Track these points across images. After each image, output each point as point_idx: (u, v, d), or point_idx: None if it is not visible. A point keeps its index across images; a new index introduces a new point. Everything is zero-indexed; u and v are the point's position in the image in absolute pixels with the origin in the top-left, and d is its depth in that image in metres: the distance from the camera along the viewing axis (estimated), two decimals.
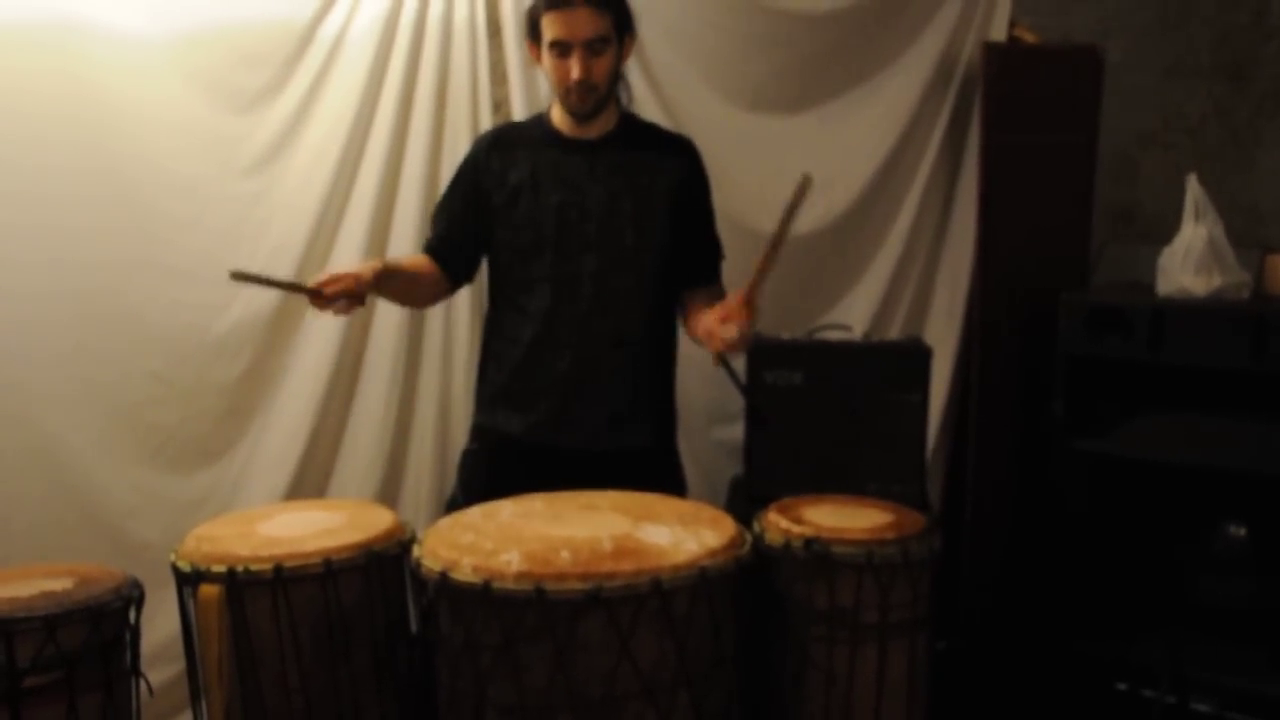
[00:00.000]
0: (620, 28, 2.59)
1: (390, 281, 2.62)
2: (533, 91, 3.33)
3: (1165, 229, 3.33)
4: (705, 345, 2.61)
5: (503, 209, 2.68)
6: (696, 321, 2.67)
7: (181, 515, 3.09)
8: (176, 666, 2.51)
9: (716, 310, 2.53)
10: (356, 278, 2.49)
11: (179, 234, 3.23)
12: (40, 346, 3.13)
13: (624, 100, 2.76)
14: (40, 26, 3.05)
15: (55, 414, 3.16)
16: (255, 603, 2.13)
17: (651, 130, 2.82)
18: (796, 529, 2.30)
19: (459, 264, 2.80)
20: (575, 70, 2.53)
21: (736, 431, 3.29)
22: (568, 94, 2.59)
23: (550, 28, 2.53)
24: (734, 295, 2.53)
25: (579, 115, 2.62)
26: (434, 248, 2.79)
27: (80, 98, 3.11)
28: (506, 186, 2.68)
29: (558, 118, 2.70)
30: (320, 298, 2.47)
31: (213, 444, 3.32)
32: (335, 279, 2.48)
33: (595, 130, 2.67)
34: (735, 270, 2.87)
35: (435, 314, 3.34)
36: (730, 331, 2.48)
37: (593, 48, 2.53)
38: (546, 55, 2.58)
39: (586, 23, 2.51)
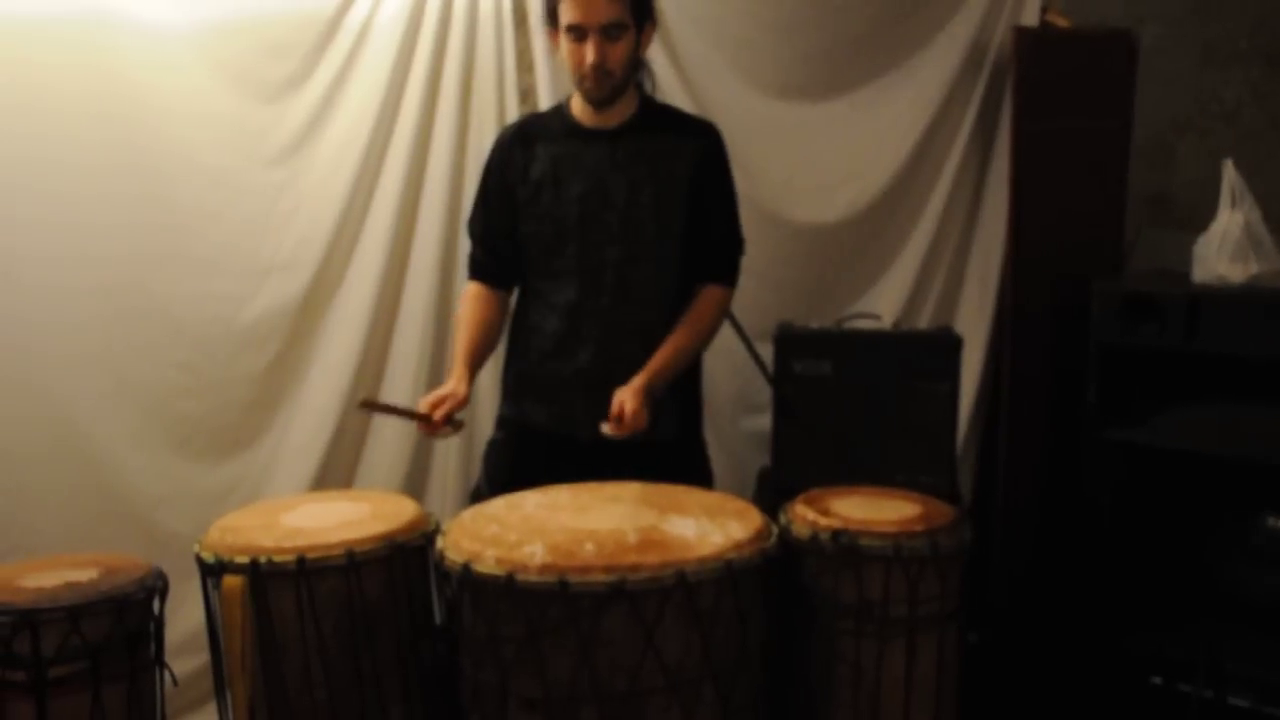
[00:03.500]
0: (639, 14, 2.56)
1: (478, 365, 2.71)
2: (559, 79, 3.31)
3: (1201, 216, 3.27)
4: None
5: (527, 202, 2.66)
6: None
7: (209, 505, 3.10)
8: (204, 657, 2.51)
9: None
10: (460, 395, 2.56)
11: (205, 225, 3.24)
12: (68, 340, 3.14)
13: (648, 88, 2.73)
14: (67, 20, 3.06)
15: (84, 406, 3.17)
16: (278, 594, 2.12)
17: (671, 113, 2.79)
18: (824, 521, 2.27)
19: (510, 271, 2.77)
20: (590, 55, 2.51)
21: (764, 422, 3.27)
22: (583, 80, 2.56)
23: (566, 12, 2.51)
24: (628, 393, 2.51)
25: (595, 102, 2.60)
26: (484, 267, 2.77)
27: (106, 91, 3.12)
28: (529, 180, 2.66)
29: (577, 107, 2.68)
30: (430, 423, 2.54)
31: (240, 434, 3.33)
32: (443, 400, 2.54)
33: (615, 118, 2.65)
34: (762, 258, 2.85)
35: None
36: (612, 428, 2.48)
37: (608, 33, 2.51)
38: (563, 40, 2.55)
39: (603, 8, 2.48)
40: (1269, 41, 3.72)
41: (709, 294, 2.70)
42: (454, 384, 2.59)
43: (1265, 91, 3.74)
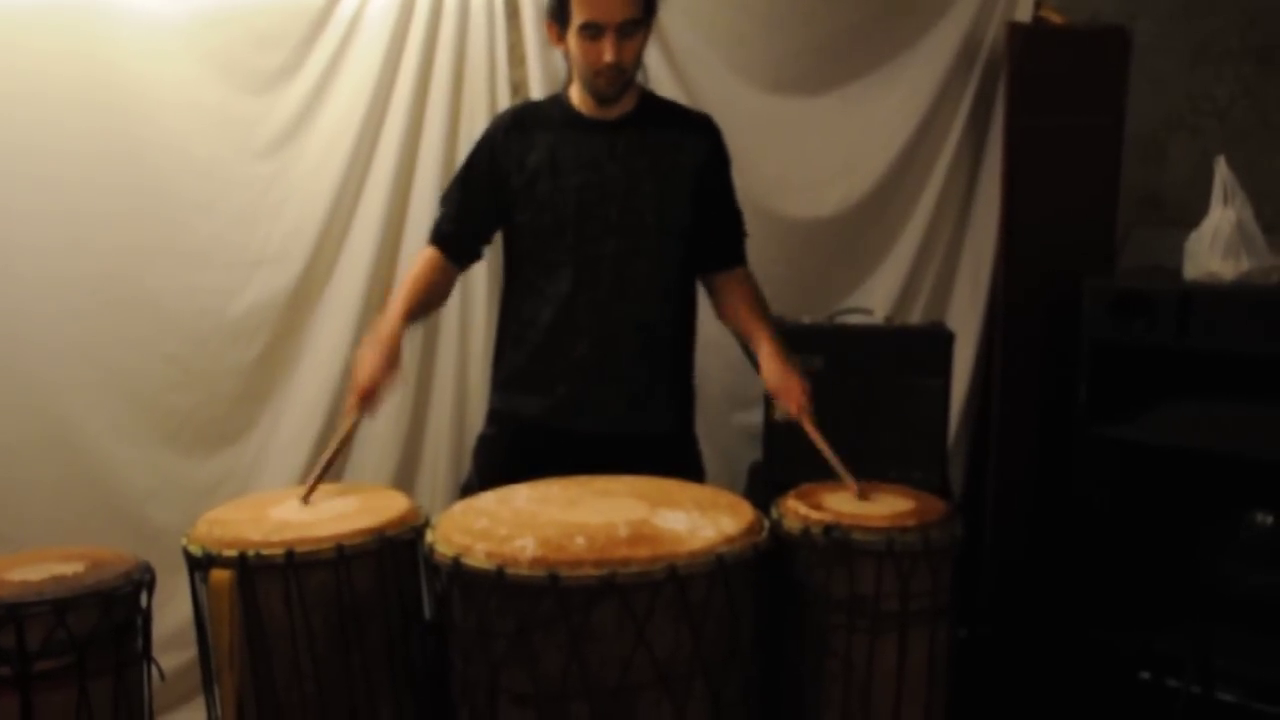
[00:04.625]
0: (649, 9, 2.54)
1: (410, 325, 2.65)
2: (551, 73, 3.30)
3: (1193, 212, 3.28)
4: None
5: (522, 191, 2.63)
6: (757, 349, 2.61)
7: (198, 498, 3.09)
8: (191, 651, 2.51)
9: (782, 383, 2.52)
10: (394, 374, 2.51)
11: (195, 217, 3.23)
12: (57, 332, 3.13)
13: (640, 80, 2.71)
14: (56, 8, 3.05)
15: (72, 398, 3.16)
16: (267, 588, 2.10)
17: (671, 108, 2.77)
18: (815, 515, 2.26)
19: (469, 249, 2.76)
20: (608, 53, 2.47)
21: (756, 416, 3.27)
22: (596, 76, 2.52)
23: (582, 9, 2.46)
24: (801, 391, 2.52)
25: (606, 98, 2.57)
26: (445, 235, 2.73)
27: (97, 80, 3.10)
28: (526, 169, 2.63)
29: (577, 98, 2.65)
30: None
31: (229, 427, 3.32)
32: (377, 390, 2.48)
33: (616, 111, 2.63)
34: (754, 252, 2.83)
35: (452, 297, 3.29)
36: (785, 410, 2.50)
37: (624, 30, 2.47)
38: (576, 37, 2.50)
39: (621, 5, 2.45)
40: (1260, 39, 3.72)
41: (745, 274, 2.73)
42: (387, 358, 2.49)
43: (1256, 89, 3.74)
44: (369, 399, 2.47)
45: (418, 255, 2.77)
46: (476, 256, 2.80)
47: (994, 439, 3.49)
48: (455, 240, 2.73)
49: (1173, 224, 3.57)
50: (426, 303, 2.71)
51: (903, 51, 3.54)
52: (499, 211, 2.67)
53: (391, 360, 2.50)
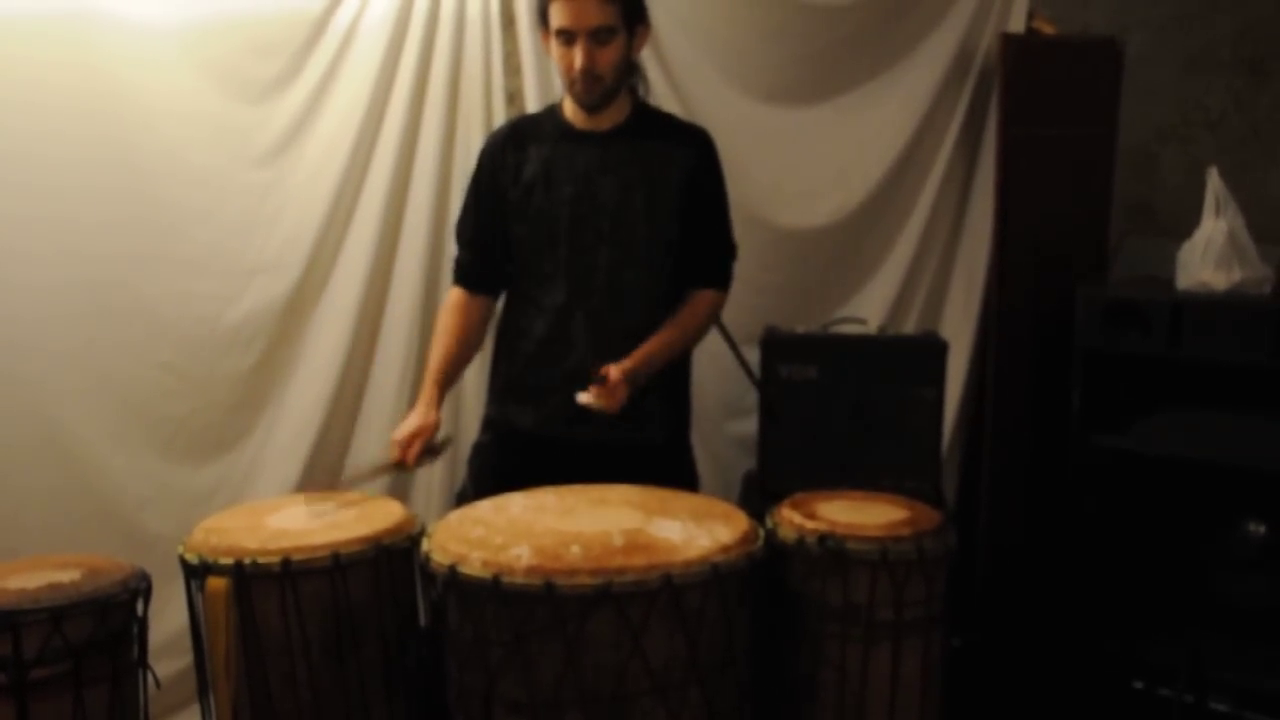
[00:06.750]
0: (630, 18, 2.55)
1: (451, 382, 2.71)
2: (547, 83, 3.31)
3: (1185, 223, 3.30)
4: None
5: (518, 203, 2.65)
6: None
7: (193, 506, 3.08)
8: (187, 659, 2.50)
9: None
10: (428, 427, 2.56)
11: (191, 225, 3.22)
12: (52, 339, 3.11)
13: (641, 92, 2.73)
14: (53, 17, 3.03)
15: (67, 406, 3.14)
16: (263, 596, 2.11)
17: (665, 120, 2.78)
18: (810, 525, 2.28)
19: (497, 276, 2.76)
20: (579, 59, 2.50)
21: (750, 425, 3.28)
22: (573, 84, 2.56)
23: (557, 15, 2.50)
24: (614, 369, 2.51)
25: (585, 105, 2.59)
26: (470, 271, 2.76)
27: (93, 89, 3.09)
28: (521, 182, 2.65)
29: (569, 109, 2.67)
30: (406, 465, 2.56)
31: (224, 435, 3.30)
32: (411, 439, 2.53)
33: (607, 121, 2.64)
34: (749, 262, 2.85)
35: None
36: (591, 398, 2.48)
37: (598, 37, 2.50)
38: (553, 43, 2.55)
39: (593, 11, 2.48)
40: (1251, 50, 3.74)
41: (701, 296, 2.70)
42: (421, 414, 2.58)
43: (1247, 100, 3.76)
44: (407, 449, 2.54)
45: (444, 304, 2.81)
46: (505, 280, 2.78)
47: (987, 448, 3.49)
48: (477, 271, 2.75)
49: (1165, 234, 3.59)
50: (460, 356, 2.75)
51: (897, 62, 3.54)
52: (504, 226, 2.69)
53: (424, 431, 2.56)
